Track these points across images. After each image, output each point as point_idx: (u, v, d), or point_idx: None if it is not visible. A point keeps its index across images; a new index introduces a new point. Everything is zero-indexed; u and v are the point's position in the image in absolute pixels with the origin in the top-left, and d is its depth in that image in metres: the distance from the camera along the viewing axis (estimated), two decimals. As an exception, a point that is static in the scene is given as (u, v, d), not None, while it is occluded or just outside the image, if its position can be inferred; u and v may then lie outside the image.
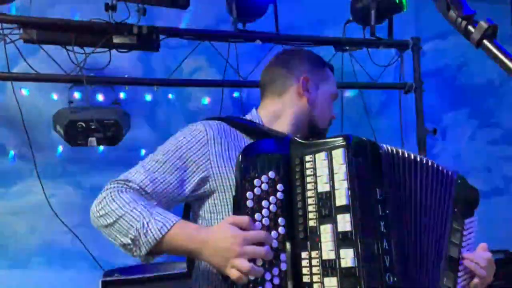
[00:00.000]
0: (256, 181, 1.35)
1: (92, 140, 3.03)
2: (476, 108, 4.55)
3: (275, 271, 1.32)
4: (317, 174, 1.37)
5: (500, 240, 4.32)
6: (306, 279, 1.32)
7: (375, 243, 1.32)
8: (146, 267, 3.01)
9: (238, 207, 1.34)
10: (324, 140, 1.43)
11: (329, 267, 1.30)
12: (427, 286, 1.48)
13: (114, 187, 1.47)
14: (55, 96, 3.39)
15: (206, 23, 3.60)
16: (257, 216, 1.33)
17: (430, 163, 1.56)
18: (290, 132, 1.63)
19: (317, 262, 1.31)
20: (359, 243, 1.28)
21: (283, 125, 1.67)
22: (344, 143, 1.37)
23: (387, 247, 1.33)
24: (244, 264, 1.25)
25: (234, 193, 1.38)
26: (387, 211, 1.36)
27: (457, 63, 4.51)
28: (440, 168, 1.59)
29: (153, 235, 1.35)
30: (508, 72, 0.96)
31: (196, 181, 1.51)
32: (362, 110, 3.94)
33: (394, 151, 1.48)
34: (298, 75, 1.71)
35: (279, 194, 1.37)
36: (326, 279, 1.29)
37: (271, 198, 1.36)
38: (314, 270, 1.31)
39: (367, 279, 1.26)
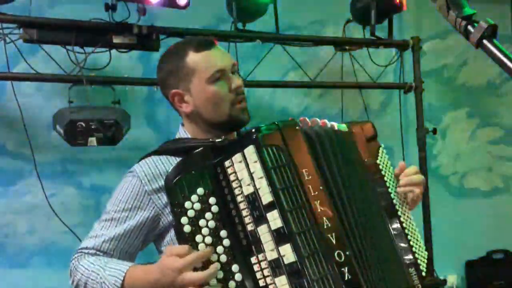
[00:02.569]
0: (186, 204, 1.34)
1: (92, 140, 3.03)
2: (476, 108, 4.55)
3: (232, 284, 1.31)
4: (239, 178, 1.33)
5: (500, 240, 4.32)
6: (262, 283, 1.31)
7: (312, 229, 1.28)
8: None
9: (180, 234, 1.33)
10: (238, 139, 1.42)
11: (276, 267, 1.28)
12: (387, 252, 1.47)
13: (75, 257, 1.56)
14: (55, 96, 3.38)
15: (206, 23, 3.60)
16: (198, 238, 1.32)
17: (334, 126, 1.51)
18: (204, 138, 1.56)
19: (266, 264, 1.30)
20: (294, 236, 1.26)
21: (196, 134, 1.60)
22: (253, 137, 1.32)
23: (328, 225, 1.29)
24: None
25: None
26: (321, 188, 1.32)
27: (457, 63, 4.51)
28: (339, 127, 1.53)
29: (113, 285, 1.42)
30: (507, 73, 0.96)
31: (146, 224, 1.54)
32: (362, 110, 3.94)
33: (314, 125, 1.44)
34: (167, 94, 1.64)
35: (213, 208, 1.35)
36: (276, 280, 1.28)
37: (207, 215, 1.34)
38: (265, 272, 1.30)
39: (311, 270, 1.24)
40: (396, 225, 1.50)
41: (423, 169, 3.62)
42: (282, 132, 1.34)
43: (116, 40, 3.05)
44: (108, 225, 1.55)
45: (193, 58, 1.56)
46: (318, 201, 1.30)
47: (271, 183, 1.29)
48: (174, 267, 1.29)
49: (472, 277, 4.28)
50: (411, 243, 1.50)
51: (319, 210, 1.30)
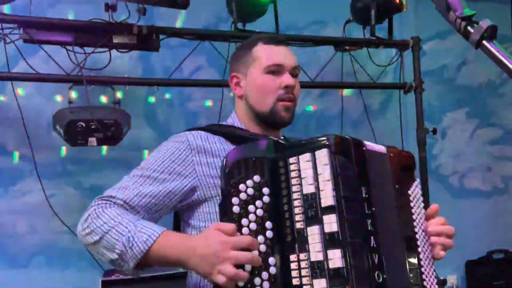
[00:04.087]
0: (241, 186, 1.34)
1: (92, 140, 3.03)
2: (475, 108, 4.56)
3: (265, 275, 1.31)
4: (302, 176, 1.35)
5: (500, 240, 4.33)
6: (295, 282, 1.30)
7: (363, 242, 1.31)
8: (146, 267, 3.01)
9: (225, 213, 1.33)
10: (307, 140, 1.41)
11: (317, 269, 1.29)
12: (402, 277, 1.46)
13: (98, 204, 1.48)
14: (55, 96, 3.39)
15: (206, 23, 3.60)
16: (244, 221, 1.32)
17: (377, 148, 1.51)
18: (252, 128, 1.65)
19: (306, 264, 1.30)
20: (346, 243, 1.27)
21: (247, 125, 1.68)
22: (327, 142, 1.34)
23: (374, 245, 1.32)
24: (230, 269, 1.25)
25: (220, 200, 1.37)
26: (373, 209, 1.35)
27: (457, 63, 4.51)
28: (379, 149, 1.52)
29: (139, 248, 1.36)
30: (507, 73, 0.96)
31: (183, 191, 1.53)
32: (362, 110, 3.95)
33: (373, 147, 1.46)
34: (229, 77, 1.74)
35: (265, 198, 1.35)
36: (315, 281, 1.28)
37: (257, 203, 1.35)
38: (303, 272, 1.30)
39: (356, 279, 1.25)
40: (413, 259, 1.50)
41: (423, 169, 3.62)
42: (353, 147, 1.38)
43: (116, 40, 3.05)
44: (143, 182, 1.51)
45: (259, 48, 1.67)
46: (370, 221, 1.34)
47: (336, 189, 1.30)
48: (222, 240, 1.28)
49: (472, 277, 4.28)
50: (424, 283, 1.49)
51: (369, 228, 1.33)
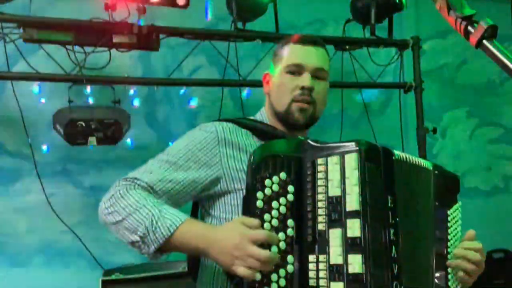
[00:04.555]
0: (267, 182, 1.34)
1: (92, 140, 3.03)
2: (475, 107, 4.55)
3: (282, 272, 1.30)
4: (329, 178, 1.35)
5: (500, 240, 4.32)
6: (312, 282, 1.31)
7: (384, 250, 1.31)
8: (146, 266, 3.01)
9: (248, 206, 1.33)
10: (337, 144, 1.41)
11: (336, 272, 1.28)
12: None
13: (123, 184, 1.47)
14: (55, 96, 3.38)
15: (206, 23, 3.60)
16: (266, 216, 1.32)
17: (419, 162, 1.53)
18: (276, 126, 1.65)
19: (325, 266, 1.30)
20: (367, 250, 1.27)
21: (272, 122, 1.68)
22: (358, 148, 1.34)
23: (395, 255, 1.32)
24: (250, 261, 1.25)
25: (244, 193, 1.37)
26: (397, 219, 1.35)
27: (457, 62, 4.51)
28: (423, 164, 1.54)
29: (162, 232, 1.36)
30: (507, 73, 0.96)
31: (207, 181, 1.53)
32: (362, 110, 3.94)
33: (405, 158, 1.46)
34: None
35: (289, 196, 1.35)
36: (332, 284, 1.28)
37: (281, 200, 1.34)
38: (321, 274, 1.30)
39: (375, 287, 1.25)
40: (440, 273, 1.50)
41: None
42: (382, 155, 1.38)
43: (116, 40, 3.05)
44: (168, 167, 1.51)
45: (287, 47, 1.68)
46: (393, 230, 1.33)
47: (362, 194, 1.30)
48: (245, 234, 1.28)
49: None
50: None
51: (392, 238, 1.33)
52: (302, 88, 1.61)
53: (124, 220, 1.41)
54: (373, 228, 1.29)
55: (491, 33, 1.00)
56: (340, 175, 1.33)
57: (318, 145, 1.43)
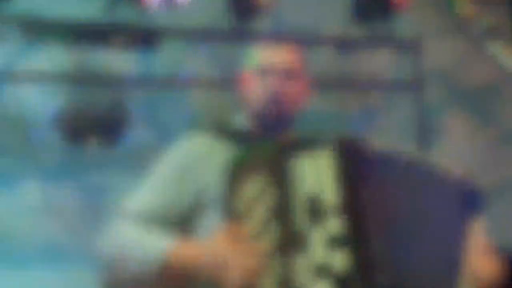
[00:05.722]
0: (245, 187, 1.34)
1: (92, 140, 3.03)
2: (476, 107, 4.55)
3: (268, 277, 1.30)
4: (305, 176, 1.34)
5: (500, 240, 4.32)
6: (299, 284, 1.30)
7: (367, 245, 1.30)
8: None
9: (228, 216, 1.34)
10: (312, 140, 1.41)
11: (321, 272, 1.28)
12: None
13: (114, 224, 1.52)
14: (55, 96, 3.38)
15: (206, 23, 3.60)
16: (247, 223, 1.32)
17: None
18: (256, 128, 1.66)
19: (310, 266, 1.29)
20: (350, 246, 1.27)
21: (252, 125, 1.69)
22: (332, 143, 1.35)
23: (379, 248, 1.31)
24: (234, 271, 1.27)
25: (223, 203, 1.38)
26: (379, 212, 1.34)
27: (457, 63, 4.50)
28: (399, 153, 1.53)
29: (153, 263, 1.39)
30: (507, 73, 0.96)
31: (191, 199, 1.54)
32: (362, 110, 3.94)
33: (382, 148, 1.46)
34: None
35: (268, 199, 1.35)
36: (319, 284, 1.28)
37: (262, 204, 1.34)
38: (307, 274, 1.29)
39: (360, 283, 1.26)
40: None
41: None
42: (357, 148, 1.37)
43: (116, 40, 3.05)
44: (153, 194, 1.54)
45: (258, 48, 1.76)
46: (375, 223, 1.33)
47: (339, 190, 1.30)
48: (225, 244, 1.30)
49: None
50: None
51: (374, 230, 1.32)
52: (273, 87, 1.62)
53: (119, 260, 1.46)
54: (353, 223, 1.29)
55: (490, 33, 1.01)
56: (316, 173, 1.33)
57: (293, 143, 1.44)
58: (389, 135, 3.92)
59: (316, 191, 1.33)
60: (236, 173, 1.36)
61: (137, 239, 1.43)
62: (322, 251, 1.29)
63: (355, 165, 1.35)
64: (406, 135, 3.89)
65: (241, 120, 1.72)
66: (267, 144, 1.45)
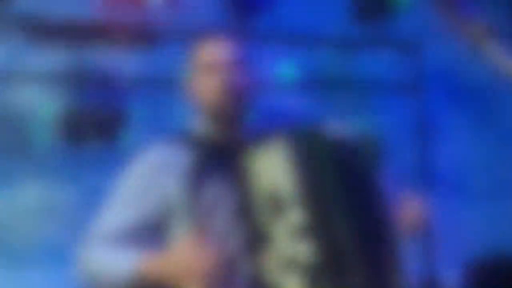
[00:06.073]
0: (203, 192, 1.34)
1: (92, 140, 3.03)
2: (476, 108, 4.55)
3: (239, 277, 1.31)
4: (263, 172, 1.35)
5: (499, 240, 4.32)
6: (271, 281, 1.30)
7: (334, 231, 1.31)
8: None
9: (191, 222, 1.34)
10: (267, 135, 1.41)
11: (290, 265, 1.28)
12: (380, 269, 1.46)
13: (85, 245, 1.55)
14: (54, 96, 3.38)
15: (205, 23, 3.60)
16: (211, 227, 1.32)
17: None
18: (214, 128, 1.64)
19: (278, 261, 1.30)
20: (313, 237, 1.27)
21: (208, 125, 1.67)
22: (286, 135, 1.35)
23: (346, 233, 1.32)
24: (197, 277, 1.28)
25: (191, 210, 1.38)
26: (342, 195, 1.34)
27: (457, 63, 4.50)
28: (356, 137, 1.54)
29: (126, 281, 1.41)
30: (506, 73, 0.96)
31: (158, 210, 1.53)
32: (362, 110, 3.94)
33: (338, 134, 1.47)
34: None
35: (229, 200, 1.35)
36: (288, 277, 1.28)
37: (222, 206, 1.35)
38: (277, 269, 1.30)
39: (327, 273, 1.26)
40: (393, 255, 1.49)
41: (423, 169, 3.62)
42: (313, 137, 1.39)
43: (116, 40, 3.05)
44: (117, 214, 1.55)
45: (203, 47, 1.72)
46: (338, 208, 1.33)
47: (296, 181, 1.31)
48: (187, 252, 1.30)
49: (472, 277, 4.27)
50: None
51: (339, 217, 1.32)
52: (220, 81, 1.60)
53: (98, 281, 1.48)
54: (315, 212, 1.30)
55: (490, 34, 1.01)
56: (274, 167, 1.33)
57: (248, 140, 1.43)
58: (389, 135, 3.93)
59: (275, 185, 1.32)
60: (195, 179, 1.36)
61: (104, 263, 1.45)
62: (289, 244, 1.29)
63: (311, 154, 1.35)
64: (406, 135, 3.89)
65: (197, 124, 1.70)
66: (222, 145, 1.45)
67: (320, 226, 1.27)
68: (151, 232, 1.58)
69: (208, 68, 1.63)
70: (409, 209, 1.54)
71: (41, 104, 3.37)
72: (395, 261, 1.47)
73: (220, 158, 1.39)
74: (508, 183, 4.60)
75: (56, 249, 3.41)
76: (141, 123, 3.61)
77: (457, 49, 4.38)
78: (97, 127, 2.99)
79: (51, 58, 3.03)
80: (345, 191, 1.36)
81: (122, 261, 1.43)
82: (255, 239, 1.33)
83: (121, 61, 3.39)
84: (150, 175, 1.56)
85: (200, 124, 1.69)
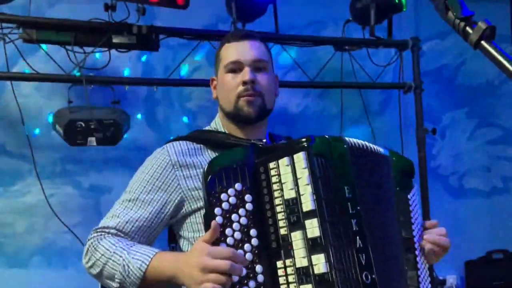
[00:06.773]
0: (223, 196, 1.33)
1: (92, 140, 3.03)
2: (475, 107, 4.55)
3: (252, 284, 1.30)
4: (282, 181, 1.34)
5: (500, 240, 4.32)
6: None
7: (348, 243, 1.29)
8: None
9: (209, 224, 1.32)
10: (287, 143, 1.42)
11: (303, 275, 1.28)
12: (399, 277, 1.46)
13: (94, 236, 1.53)
14: (54, 96, 3.39)
15: (205, 23, 3.60)
16: (228, 231, 1.31)
17: (377, 149, 1.51)
18: (233, 130, 1.66)
19: (292, 270, 1.30)
20: (329, 247, 1.26)
21: (228, 127, 1.68)
22: (305, 145, 1.34)
23: (361, 245, 1.30)
24: (212, 277, 1.26)
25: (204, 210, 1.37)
26: (358, 208, 1.33)
27: (456, 63, 4.51)
28: (381, 151, 1.53)
29: (135, 274, 1.41)
30: (506, 73, 0.96)
31: (171, 208, 1.56)
32: (362, 110, 3.94)
33: (359, 145, 1.45)
34: None
35: (248, 206, 1.35)
36: (302, 287, 1.28)
37: (241, 211, 1.34)
38: (290, 278, 1.30)
39: (342, 283, 1.24)
40: (410, 260, 1.51)
41: (423, 169, 3.62)
42: (332, 147, 1.37)
43: (116, 40, 3.05)
44: (132, 206, 1.55)
45: (223, 48, 1.68)
46: (355, 220, 1.32)
47: (316, 192, 1.30)
48: (203, 251, 1.28)
49: (472, 277, 4.28)
50: (418, 273, 1.50)
51: (354, 229, 1.31)
52: (244, 82, 1.60)
53: (102, 271, 1.48)
54: (332, 224, 1.29)
55: (489, 34, 1.00)
56: (292, 176, 1.33)
57: (269, 147, 1.44)
58: (389, 135, 3.93)
59: (293, 194, 1.32)
60: (213, 181, 1.34)
61: (122, 248, 1.44)
62: (303, 254, 1.29)
63: (331, 163, 1.35)
64: (406, 135, 3.90)
65: (217, 124, 1.71)
66: (243, 149, 1.44)
67: (334, 238, 1.25)
68: (161, 229, 1.59)
69: (233, 66, 1.62)
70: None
71: (41, 104, 3.38)
72: (408, 277, 1.48)
73: (240, 163, 1.36)
74: (508, 183, 4.60)
75: (56, 249, 3.42)
76: (141, 123, 3.62)
77: (456, 49, 4.39)
78: (97, 127, 2.99)
79: (51, 58, 3.03)
80: (365, 199, 1.36)
81: (134, 256, 1.42)
82: (271, 246, 1.32)
83: (121, 61, 3.40)
84: (167, 171, 1.55)
85: (223, 124, 1.69)
